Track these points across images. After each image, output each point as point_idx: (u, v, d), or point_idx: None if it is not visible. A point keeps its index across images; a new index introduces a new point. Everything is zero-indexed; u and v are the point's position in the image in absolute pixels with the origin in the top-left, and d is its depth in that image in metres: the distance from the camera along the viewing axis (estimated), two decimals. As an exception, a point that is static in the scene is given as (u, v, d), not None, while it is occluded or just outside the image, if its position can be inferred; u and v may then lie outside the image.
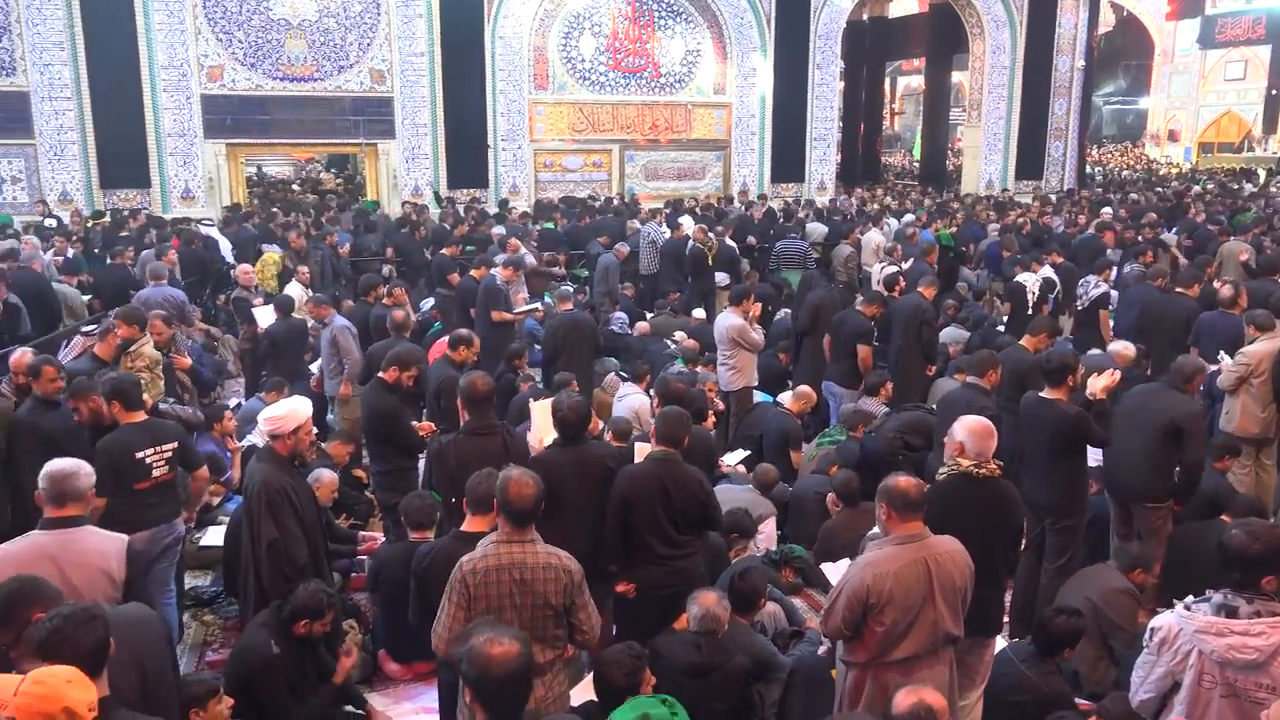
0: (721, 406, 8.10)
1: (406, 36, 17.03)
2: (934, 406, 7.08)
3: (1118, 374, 5.48)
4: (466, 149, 17.70)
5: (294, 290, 10.07)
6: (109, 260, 11.59)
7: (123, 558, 3.75)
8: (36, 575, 3.19)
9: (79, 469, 3.86)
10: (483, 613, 3.46)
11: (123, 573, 3.73)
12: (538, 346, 9.39)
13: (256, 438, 6.91)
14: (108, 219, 14.45)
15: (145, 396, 5.48)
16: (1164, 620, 3.45)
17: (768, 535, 6.35)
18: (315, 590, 4.45)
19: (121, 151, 15.82)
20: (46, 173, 15.63)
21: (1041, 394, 5.45)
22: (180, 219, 14.67)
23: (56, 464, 3.85)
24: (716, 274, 12.27)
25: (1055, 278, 10.05)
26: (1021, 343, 6.87)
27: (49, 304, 9.42)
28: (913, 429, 6.88)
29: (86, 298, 10.38)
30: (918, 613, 3.72)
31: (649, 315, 11.34)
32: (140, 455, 5.05)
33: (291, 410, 4.69)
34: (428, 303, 11.23)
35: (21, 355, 5.92)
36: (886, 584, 3.69)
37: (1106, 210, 16.11)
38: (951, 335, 9.70)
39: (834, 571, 4.42)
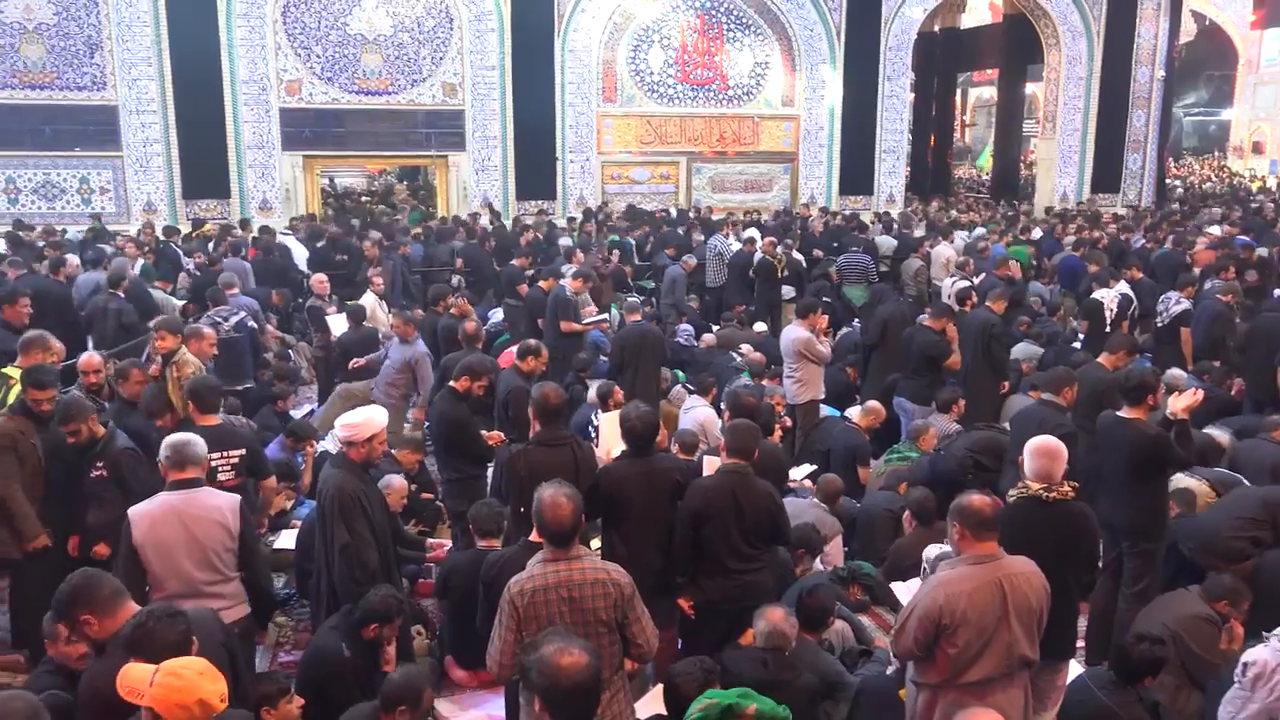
0: (789, 421, 8.05)
1: (478, 50, 17.30)
2: (1007, 425, 6.95)
3: (1200, 393, 5.32)
4: (535, 161, 17.88)
5: (367, 299, 10.27)
6: (190, 267, 11.96)
7: (237, 513, 4.27)
8: (96, 573, 3.43)
9: (193, 438, 4.40)
10: (534, 634, 3.37)
11: (237, 526, 4.24)
12: (603, 358, 9.44)
13: (330, 444, 7.05)
14: (211, 228, 14.93)
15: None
16: (1258, 655, 3.32)
17: (834, 553, 6.28)
18: (385, 595, 4.52)
19: (203, 163, 16.31)
20: (133, 183, 16.19)
21: (1120, 413, 5.31)
22: (256, 227, 15.07)
23: (176, 435, 4.43)
24: (783, 287, 12.20)
25: (1133, 294, 9.80)
26: (1099, 360, 6.70)
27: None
28: (985, 449, 6.74)
29: (180, 303, 10.67)
30: (992, 635, 3.65)
31: (715, 328, 11.32)
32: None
33: (368, 419, 4.77)
34: (496, 313, 11.37)
35: (89, 358, 6.22)
36: (960, 605, 3.62)
37: (1214, 229, 15.47)
38: (1025, 351, 9.51)
39: (904, 590, 4.36)
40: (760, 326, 10.88)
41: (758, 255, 12.28)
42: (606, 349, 10.46)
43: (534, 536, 4.15)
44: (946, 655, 3.67)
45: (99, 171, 16.20)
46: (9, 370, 5.91)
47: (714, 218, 16.79)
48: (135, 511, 4.22)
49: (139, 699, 2.51)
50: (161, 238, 13.79)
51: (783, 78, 19.32)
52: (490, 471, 6.33)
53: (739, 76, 19.13)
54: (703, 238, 14.40)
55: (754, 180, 19.75)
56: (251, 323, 9.15)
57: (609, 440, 5.49)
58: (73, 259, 11.04)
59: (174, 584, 4.14)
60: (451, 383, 6.08)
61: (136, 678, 2.55)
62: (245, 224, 15.40)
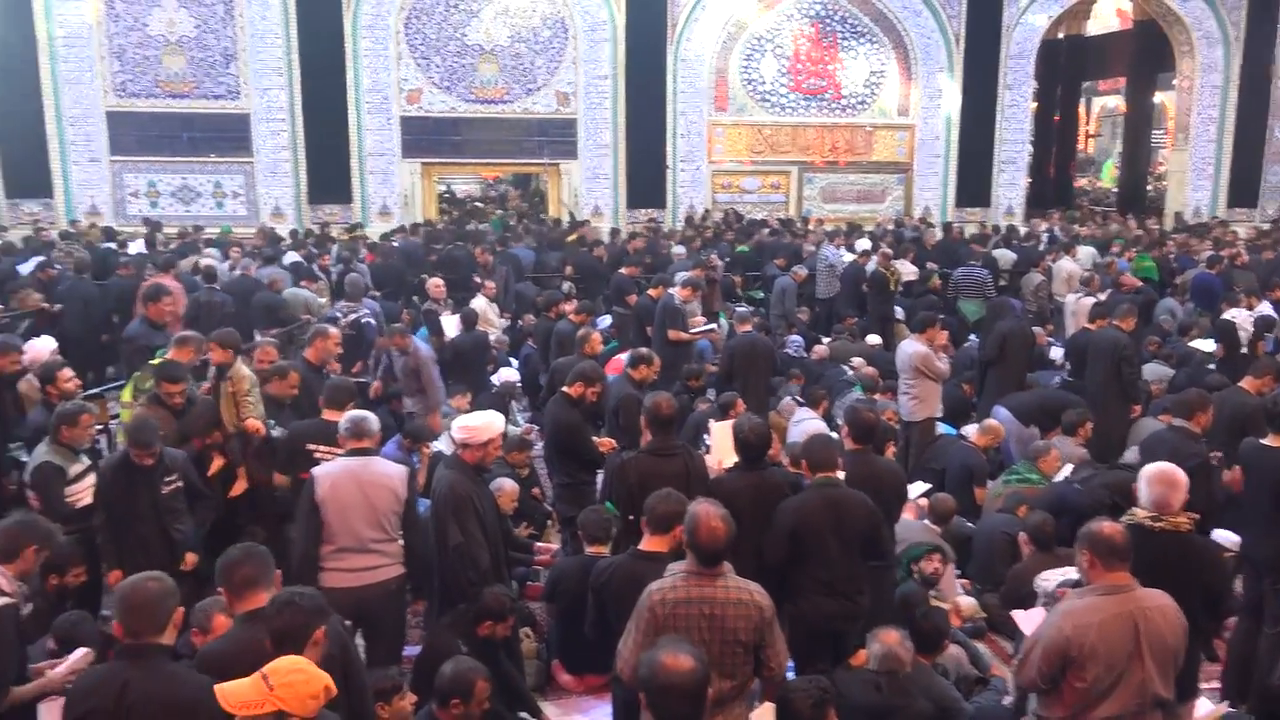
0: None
1: (592, 60, 17.50)
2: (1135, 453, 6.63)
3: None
4: (646, 170, 17.99)
5: (478, 303, 10.48)
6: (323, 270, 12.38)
7: (405, 482, 4.69)
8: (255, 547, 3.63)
9: (368, 415, 4.85)
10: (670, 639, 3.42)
11: (404, 493, 4.66)
12: (710, 368, 9.41)
13: (444, 444, 7.19)
14: (363, 232, 15.58)
15: (253, 421, 5.94)
16: None
17: (946, 575, 6.08)
18: (498, 594, 4.60)
19: (327, 169, 16.94)
20: (262, 188, 16.91)
21: (1264, 441, 5.01)
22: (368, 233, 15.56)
23: (354, 411, 4.90)
24: (896, 308, 11.95)
25: (1275, 315, 9.26)
26: (1242, 384, 6.34)
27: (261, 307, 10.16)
28: (1122, 492, 6.37)
29: (323, 301, 11.06)
30: (1123, 670, 3.47)
31: (825, 340, 11.16)
32: (310, 447, 5.42)
33: (486, 423, 4.85)
34: (605, 320, 11.45)
35: (264, 352, 6.47)
36: (1088, 637, 3.46)
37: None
38: (1155, 373, 9.07)
39: (1027, 619, 4.18)
40: (873, 340, 10.68)
41: (871, 267, 12.06)
42: (712, 358, 10.44)
43: (644, 545, 4.15)
44: (1074, 689, 3.50)
45: (231, 176, 16.97)
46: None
47: (825, 228, 16.58)
48: (319, 471, 4.70)
49: (258, 709, 2.57)
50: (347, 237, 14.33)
51: (898, 87, 18.97)
52: (600, 477, 6.36)
53: (853, 85, 18.86)
54: (814, 248, 14.23)
55: (866, 191, 19.44)
56: (371, 320, 9.43)
57: (721, 450, 5.44)
58: (194, 262, 11.49)
59: (345, 538, 4.53)
60: (565, 388, 6.13)
61: (246, 691, 2.61)
62: (359, 228, 15.92)
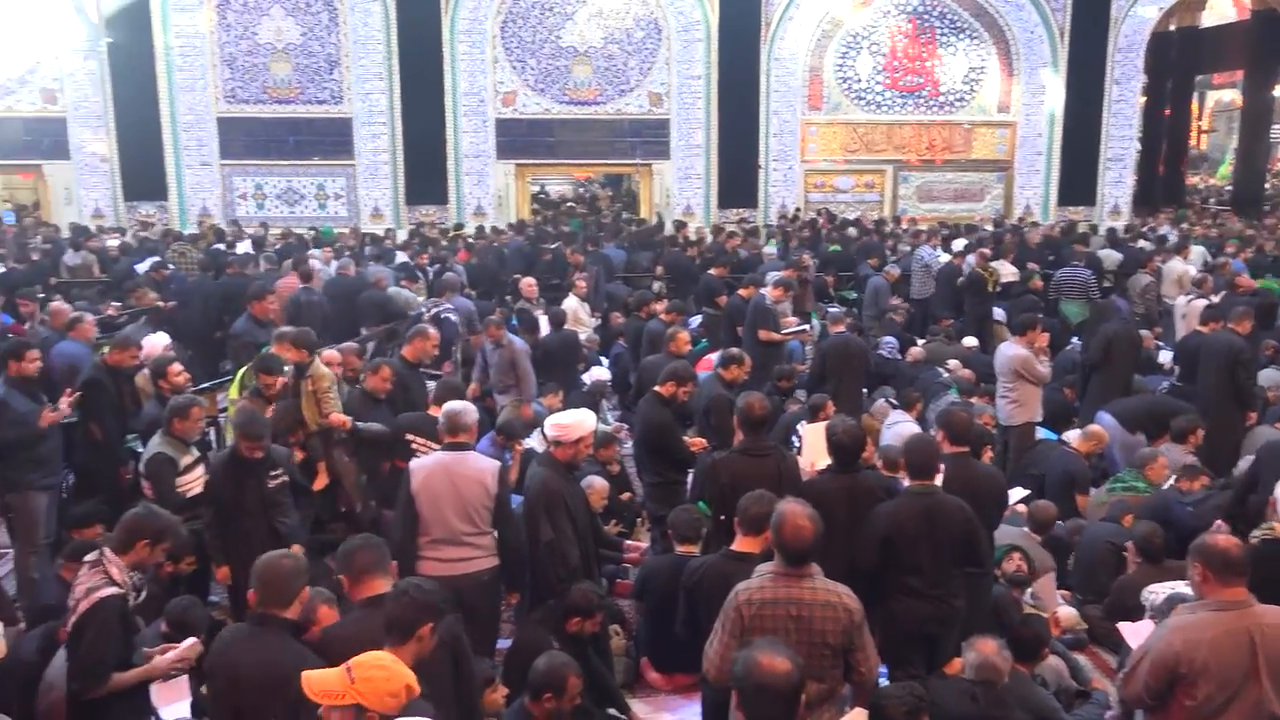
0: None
1: (685, 60, 17.52)
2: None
3: None
4: (738, 169, 17.93)
5: (569, 303, 10.57)
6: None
7: (496, 477, 4.73)
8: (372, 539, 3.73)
9: (467, 408, 4.91)
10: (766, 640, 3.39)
11: (495, 489, 4.70)
12: (800, 369, 9.31)
13: (536, 441, 7.28)
14: (466, 229, 16.01)
15: (338, 415, 6.04)
16: None
17: (1046, 586, 5.89)
18: (587, 591, 4.63)
19: (425, 171, 17.37)
20: (363, 190, 17.41)
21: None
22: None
23: (453, 404, 4.94)
24: (995, 310, 11.64)
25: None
26: (1368, 392, 5.99)
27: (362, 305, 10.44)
28: (1242, 517, 6.07)
29: (420, 299, 11.34)
30: (1238, 689, 3.32)
31: (920, 341, 10.94)
32: (410, 438, 5.61)
33: (578, 421, 4.91)
34: (694, 320, 11.42)
35: (329, 353, 6.64)
36: (1200, 653, 3.32)
37: None
38: (1271, 378, 8.64)
39: (1133, 633, 4.04)
40: (970, 342, 10.42)
41: (967, 267, 11.78)
42: (802, 359, 10.33)
43: (737, 546, 4.14)
44: (1183, 707, 3.37)
45: (333, 179, 17.51)
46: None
47: (918, 227, 16.27)
48: (415, 464, 4.81)
49: (339, 699, 2.60)
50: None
51: (999, 83, 18.50)
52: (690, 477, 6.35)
53: (951, 82, 18.46)
54: (908, 248, 13.97)
55: (964, 189, 19.01)
56: (452, 316, 9.58)
57: (813, 452, 5.39)
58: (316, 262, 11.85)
59: (438, 530, 4.63)
60: (656, 387, 6.14)
61: (330, 681, 2.64)
62: (460, 227, 16.29)
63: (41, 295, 11.66)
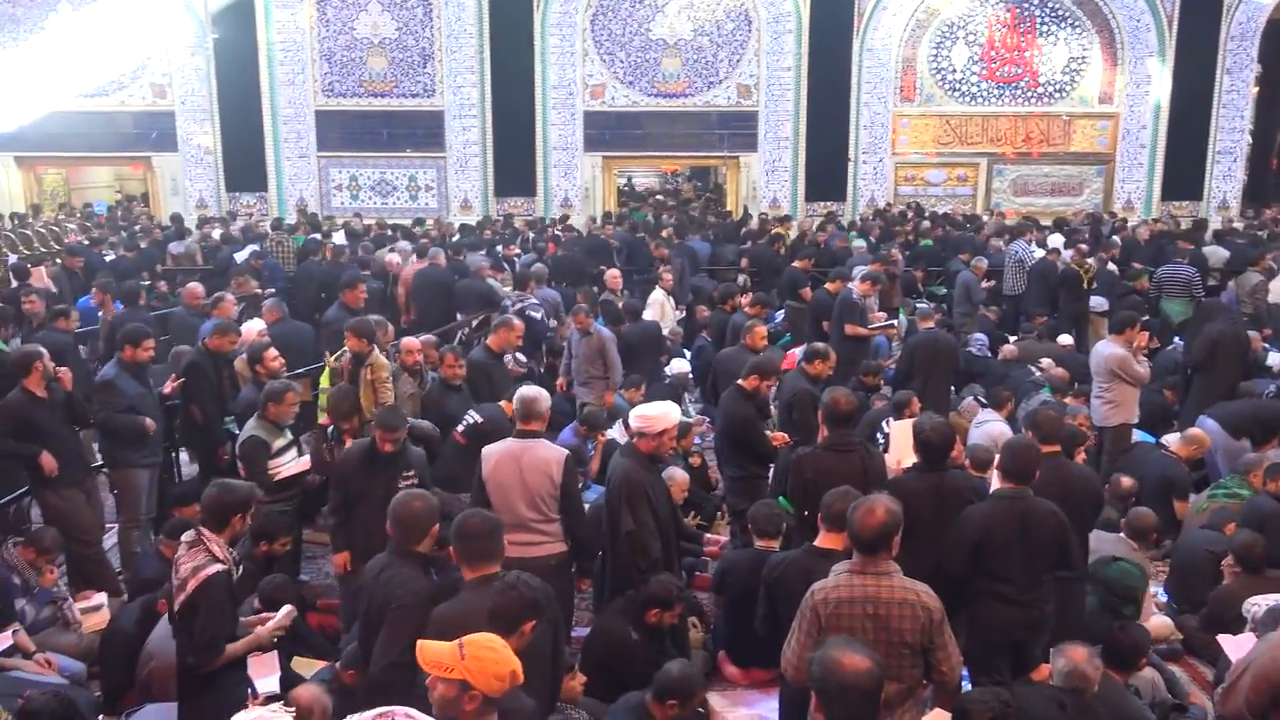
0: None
1: (775, 52, 17.36)
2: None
3: None
4: (826, 162, 17.72)
5: (656, 295, 10.59)
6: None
7: (562, 466, 4.73)
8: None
9: (540, 396, 4.90)
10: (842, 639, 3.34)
11: (559, 478, 4.70)
12: (887, 365, 9.16)
13: (618, 432, 7.32)
14: (575, 220, 16.32)
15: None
16: None
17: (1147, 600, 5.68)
18: (667, 583, 4.64)
19: (513, 163, 17.59)
20: (453, 182, 17.71)
21: None
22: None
23: (526, 391, 4.93)
24: (1092, 299, 11.28)
25: None
26: None
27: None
28: None
29: (506, 290, 11.46)
30: (1347, 708, 3.17)
31: (1012, 339, 10.66)
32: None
33: (663, 413, 4.90)
34: (779, 314, 11.33)
35: (409, 340, 6.78)
36: (1306, 668, 3.17)
37: None
38: (1391, 383, 8.20)
39: (1234, 645, 3.87)
40: (1065, 340, 10.11)
41: (1063, 263, 11.43)
42: (888, 355, 10.16)
43: (820, 542, 4.10)
44: (1287, 724, 3.22)
45: (425, 171, 17.86)
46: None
47: (1005, 221, 15.83)
48: (486, 450, 4.89)
49: (447, 672, 2.65)
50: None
51: (1101, 73, 17.86)
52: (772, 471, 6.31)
53: (1051, 73, 17.90)
54: (1002, 243, 13.61)
55: (1062, 183, 18.43)
56: (535, 313, 9.67)
57: (899, 450, 5.29)
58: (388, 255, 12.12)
59: (506, 516, 4.59)
60: (739, 381, 6.11)
61: (441, 652, 2.69)
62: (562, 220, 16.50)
63: (147, 282, 12.21)
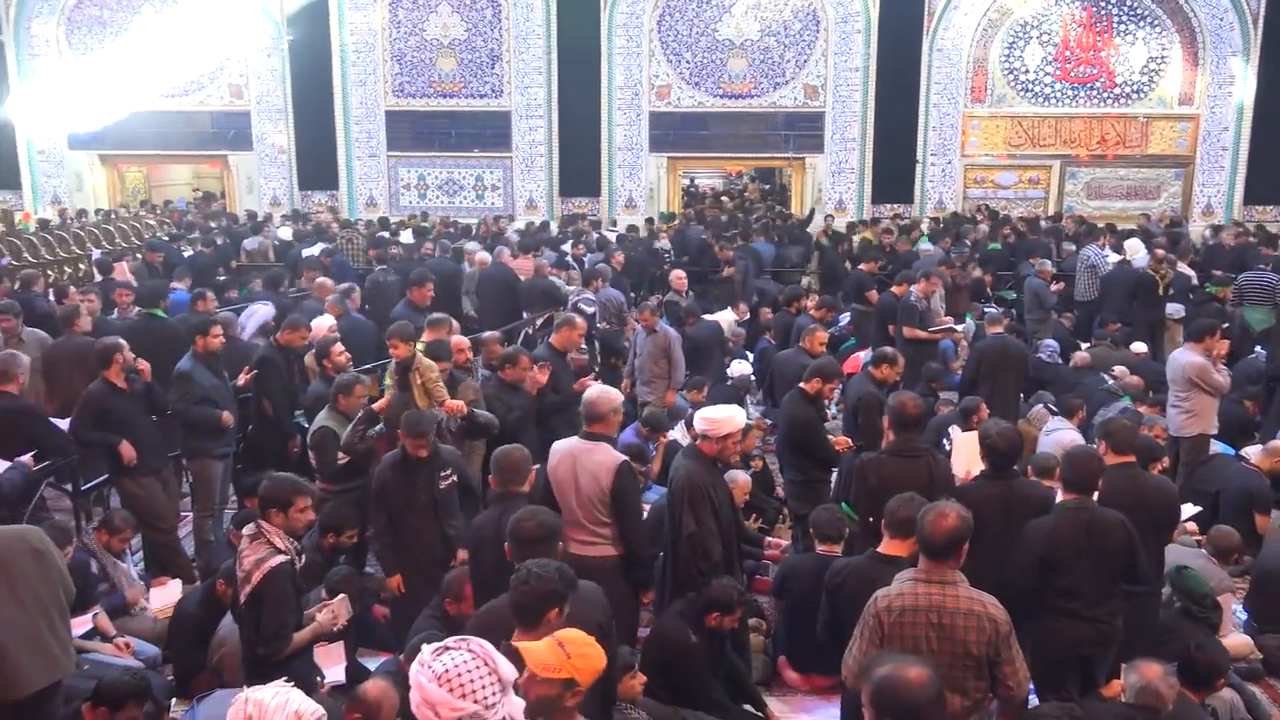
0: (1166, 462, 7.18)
1: (843, 52, 17.20)
2: None
3: None
4: (893, 163, 17.49)
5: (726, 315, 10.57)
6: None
7: (613, 473, 4.68)
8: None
9: (600, 397, 4.91)
10: (895, 653, 3.23)
11: (609, 484, 4.65)
12: (953, 371, 9.02)
13: (679, 433, 7.31)
14: (665, 221, 16.37)
15: (452, 402, 5.97)
16: None
17: (1224, 610, 5.51)
18: (728, 586, 4.61)
19: (578, 163, 17.67)
20: (519, 182, 17.87)
21: None
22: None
23: (592, 391, 5.00)
24: (1169, 305, 10.97)
25: None
26: None
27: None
28: None
29: (572, 289, 11.55)
30: None
31: (1083, 346, 10.41)
32: None
33: (729, 417, 4.87)
34: (844, 317, 11.22)
35: (461, 340, 6.86)
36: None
37: None
38: None
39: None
40: (1139, 347, 9.84)
41: (1138, 268, 11.13)
42: (954, 360, 10.00)
43: (884, 549, 4.05)
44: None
45: (491, 170, 18.05)
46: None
47: (1076, 225, 15.46)
48: (555, 445, 4.95)
49: (555, 672, 2.62)
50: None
51: (1181, 73, 17.34)
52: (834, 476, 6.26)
53: (1128, 73, 17.43)
54: (1073, 247, 13.30)
55: (1138, 186, 17.93)
56: (587, 308, 9.70)
57: (964, 459, 5.20)
58: (475, 250, 12.24)
59: (565, 513, 4.67)
60: (801, 384, 6.06)
61: (546, 653, 2.66)
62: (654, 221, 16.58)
63: (222, 278, 12.54)
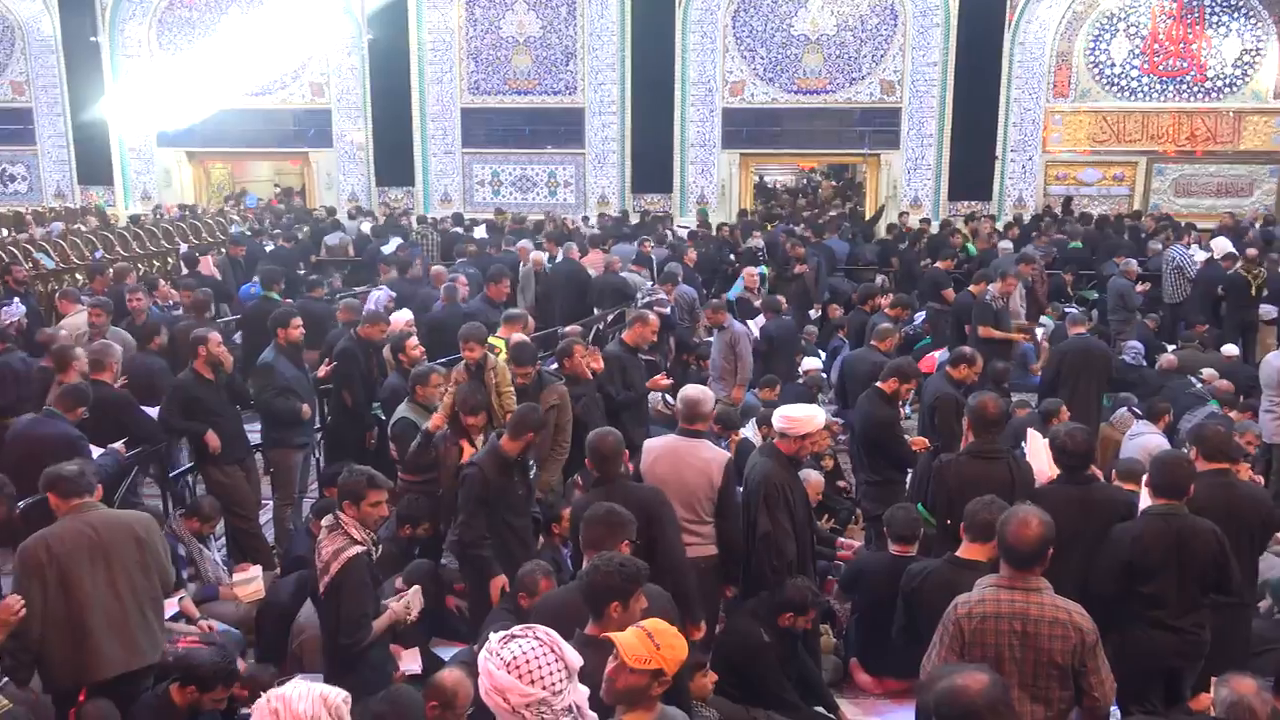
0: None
1: (921, 46, 16.91)
2: None
3: None
4: (971, 160, 17.15)
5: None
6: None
7: (723, 469, 4.71)
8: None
9: (705, 395, 4.95)
10: (977, 660, 3.16)
11: (719, 480, 4.69)
12: (1032, 374, 8.82)
13: (750, 431, 7.27)
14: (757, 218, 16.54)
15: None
16: None
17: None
18: (802, 587, 4.58)
19: (650, 160, 17.68)
20: (591, 178, 17.95)
21: None
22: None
23: (690, 390, 4.99)
24: (1262, 307, 10.57)
25: None
26: None
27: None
28: None
29: (646, 285, 11.59)
30: None
31: (1170, 348, 10.09)
32: None
33: (809, 416, 4.83)
34: (919, 316, 11.05)
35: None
36: None
37: None
38: None
39: None
40: (1229, 350, 9.50)
41: (1230, 269, 10.74)
42: (1034, 362, 9.77)
43: (962, 553, 3.97)
44: None
45: (564, 167, 18.16)
46: (492, 339, 6.74)
47: (1162, 223, 14.97)
48: (648, 443, 5.00)
49: (646, 664, 2.63)
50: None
51: (1277, 66, 16.67)
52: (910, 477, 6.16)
53: (1220, 66, 16.82)
54: (1160, 247, 12.90)
55: (1229, 183, 17.30)
56: (665, 310, 9.69)
57: (1037, 463, 5.06)
58: (529, 248, 12.31)
59: None
60: (879, 383, 5.98)
61: (637, 645, 2.66)
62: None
63: (301, 271, 12.84)
